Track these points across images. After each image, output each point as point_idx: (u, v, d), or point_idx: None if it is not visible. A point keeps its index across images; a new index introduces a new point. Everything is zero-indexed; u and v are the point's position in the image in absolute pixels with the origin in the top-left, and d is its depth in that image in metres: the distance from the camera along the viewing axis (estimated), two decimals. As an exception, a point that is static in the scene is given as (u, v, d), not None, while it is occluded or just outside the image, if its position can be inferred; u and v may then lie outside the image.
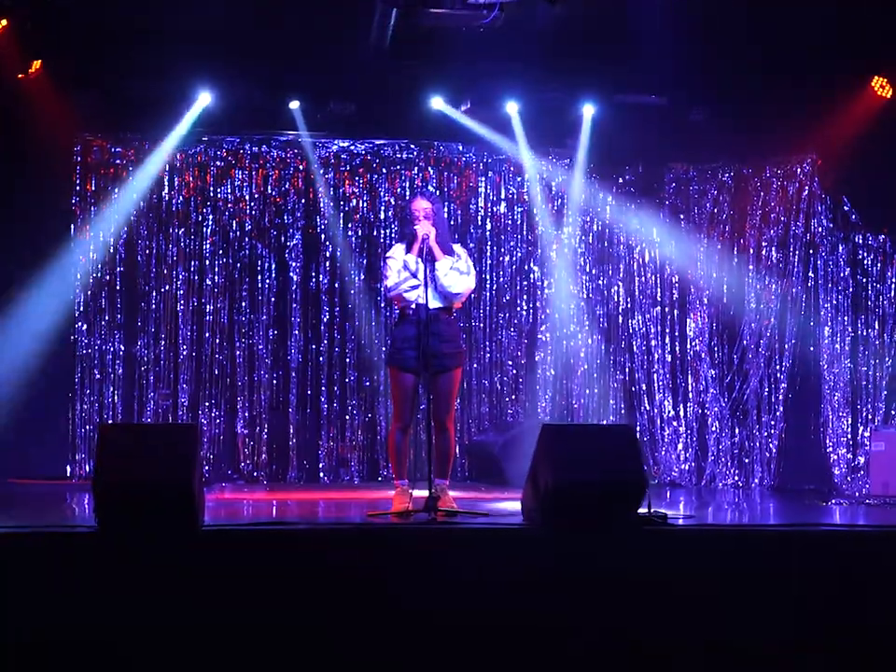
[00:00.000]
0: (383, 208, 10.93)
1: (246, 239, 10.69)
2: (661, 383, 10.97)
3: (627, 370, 11.02)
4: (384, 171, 10.94)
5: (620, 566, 6.01)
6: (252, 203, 10.75)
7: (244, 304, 10.69)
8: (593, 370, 11.02)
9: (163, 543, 5.81)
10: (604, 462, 6.39)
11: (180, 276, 10.59)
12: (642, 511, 6.41)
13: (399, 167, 10.93)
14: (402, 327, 7.46)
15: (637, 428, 10.88)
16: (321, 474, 10.75)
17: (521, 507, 6.81)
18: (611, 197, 11.12)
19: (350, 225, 10.83)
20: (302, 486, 10.33)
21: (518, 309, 11.09)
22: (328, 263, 10.83)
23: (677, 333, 11.03)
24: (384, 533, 6.34)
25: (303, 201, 10.81)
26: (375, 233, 10.89)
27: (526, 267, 11.14)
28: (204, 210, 10.64)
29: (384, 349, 10.73)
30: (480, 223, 11.02)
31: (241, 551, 5.88)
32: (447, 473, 7.60)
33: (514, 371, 11.07)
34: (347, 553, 5.98)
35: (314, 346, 10.81)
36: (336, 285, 10.79)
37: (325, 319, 10.83)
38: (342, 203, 10.84)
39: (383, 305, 10.91)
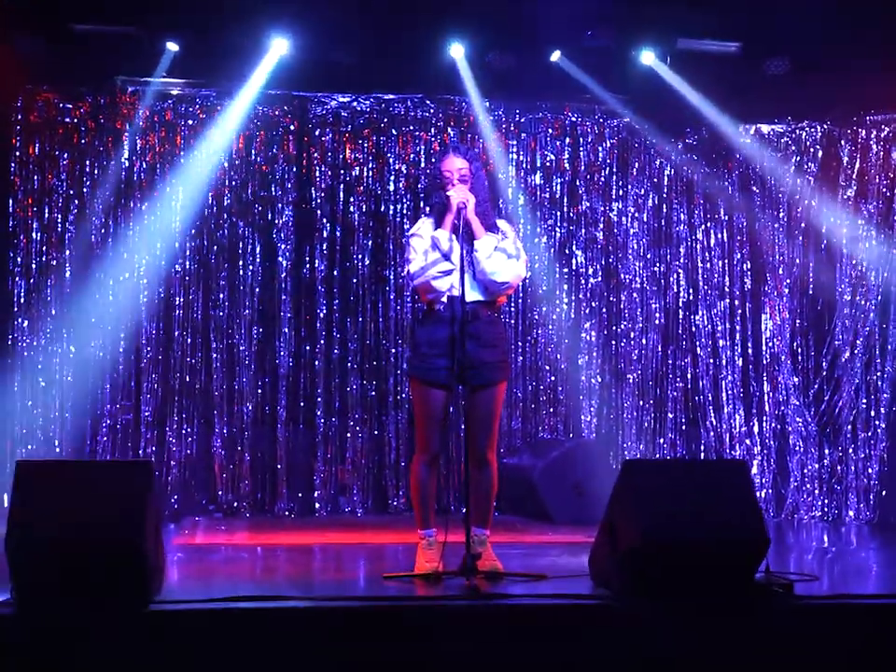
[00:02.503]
0: (392, 178, 9.69)
1: (225, 216, 9.48)
2: (730, 392, 9.80)
3: (689, 376, 9.85)
4: (393, 132, 9.70)
5: (732, 654, 4.95)
6: (232, 172, 9.51)
7: (221, 296, 9.43)
8: (647, 376, 9.86)
9: (102, 627, 4.69)
10: (711, 512, 5.29)
11: (143, 261, 9.31)
12: (759, 575, 5.40)
13: (411, 128, 9.70)
14: (430, 327, 6.07)
15: (702, 449, 9.72)
16: (317, 505, 9.46)
17: (589, 565, 5.72)
18: (670, 166, 9.96)
19: (352, 199, 9.62)
20: (294, 522, 9.09)
21: (557, 302, 9.85)
22: (324, 246, 9.60)
23: (750, 332, 9.88)
24: (405, 612, 5.00)
25: (295, 169, 9.58)
26: (383, 209, 9.66)
27: (567, 251, 9.91)
28: (173, 180, 9.35)
29: (393, 350, 9.59)
30: (510, 197, 9.74)
31: (207, 637, 4.72)
32: (489, 520, 6.22)
33: (552, 378, 9.85)
34: (354, 641, 4.79)
35: (307, 347, 9.55)
36: (335, 272, 9.58)
37: (321, 315, 9.58)
38: (342, 171, 9.63)
39: (392, 297, 9.67)
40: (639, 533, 5.19)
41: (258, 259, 9.51)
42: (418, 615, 5.08)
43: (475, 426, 6.02)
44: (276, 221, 9.53)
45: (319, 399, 9.49)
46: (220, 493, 9.33)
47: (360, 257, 9.61)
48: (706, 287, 9.87)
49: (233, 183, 9.51)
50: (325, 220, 9.58)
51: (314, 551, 7.54)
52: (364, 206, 9.65)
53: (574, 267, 9.88)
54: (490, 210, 6.23)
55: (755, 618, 5.15)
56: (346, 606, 5.03)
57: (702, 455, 9.66)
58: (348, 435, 9.50)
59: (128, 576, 4.91)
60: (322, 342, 9.53)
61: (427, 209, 6.37)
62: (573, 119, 9.83)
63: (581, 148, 9.88)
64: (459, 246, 5.92)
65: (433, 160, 6.56)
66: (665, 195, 9.94)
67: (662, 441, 9.73)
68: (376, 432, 9.56)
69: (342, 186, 9.62)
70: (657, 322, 9.85)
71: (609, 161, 9.90)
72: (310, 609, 4.98)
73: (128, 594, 4.91)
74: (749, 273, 9.91)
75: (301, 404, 9.50)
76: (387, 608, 5.10)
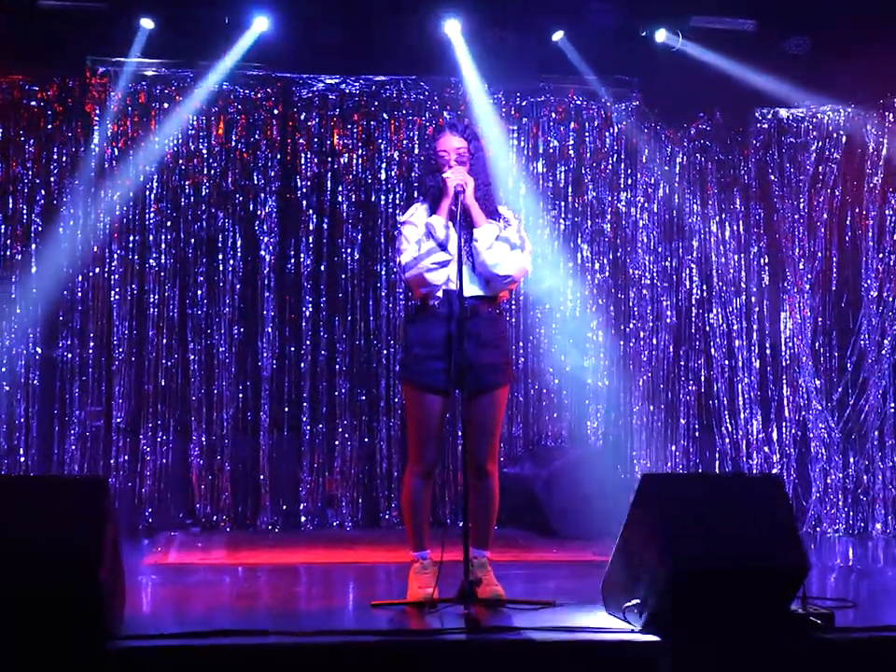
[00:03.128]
0: (383, 166, 9.20)
1: (203, 206, 8.99)
2: (747, 396, 9.35)
3: (703, 379, 9.41)
4: (384, 117, 9.21)
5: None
6: (211, 159, 9.03)
7: (199, 293, 8.95)
8: (658, 379, 9.39)
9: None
10: (744, 535, 4.80)
11: (115, 256, 8.86)
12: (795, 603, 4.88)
13: (404, 112, 9.21)
14: (424, 325, 5.60)
15: (717, 456, 9.29)
16: (302, 518, 8.95)
17: (602, 592, 5.24)
18: (682, 153, 9.51)
19: (341, 189, 9.14)
20: (277, 537, 8.58)
21: (561, 299, 9.36)
22: (310, 239, 9.11)
23: (768, 331, 9.42)
24: (396, 648, 4.58)
25: (279, 156, 9.09)
26: (374, 199, 9.18)
27: (572, 244, 9.42)
28: (146, 167, 8.87)
29: (385, 351, 9.15)
30: (511, 185, 9.22)
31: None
32: (490, 540, 5.74)
33: (556, 381, 9.34)
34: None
35: (292, 349, 9.07)
36: (322, 267, 9.10)
37: (307, 313, 9.08)
38: (329, 159, 9.15)
39: (384, 294, 9.22)
40: (663, 558, 4.71)
41: (238, 254, 9.03)
42: (411, 651, 4.62)
43: (474, 434, 5.54)
44: (259, 212, 9.05)
45: (305, 405, 9.02)
46: (198, 506, 8.85)
47: (349, 251, 9.13)
48: (720, 284, 9.43)
49: (212, 171, 9.02)
50: (311, 211, 9.11)
51: (298, 572, 7.07)
52: (353, 196, 9.17)
53: (579, 261, 9.41)
54: (492, 195, 5.77)
55: (794, 654, 4.66)
56: (332, 642, 4.58)
57: (717, 463, 9.24)
58: (336, 443, 9.02)
59: (82, 610, 4.38)
60: (308, 342, 9.05)
61: (422, 193, 5.84)
62: (578, 102, 9.38)
63: (587, 134, 9.43)
64: (457, 235, 5.44)
65: (428, 141, 6.08)
66: (676, 184, 9.48)
67: (674, 448, 9.30)
68: (367, 440, 9.09)
69: (329, 174, 9.15)
70: (668, 321, 9.41)
71: (616, 147, 9.45)
72: (293, 646, 4.52)
73: (82, 631, 4.39)
74: (766, 267, 9.47)
75: (286, 410, 9.03)
76: (377, 643, 4.64)
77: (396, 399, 8.99)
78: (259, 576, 6.86)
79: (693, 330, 9.45)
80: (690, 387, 9.38)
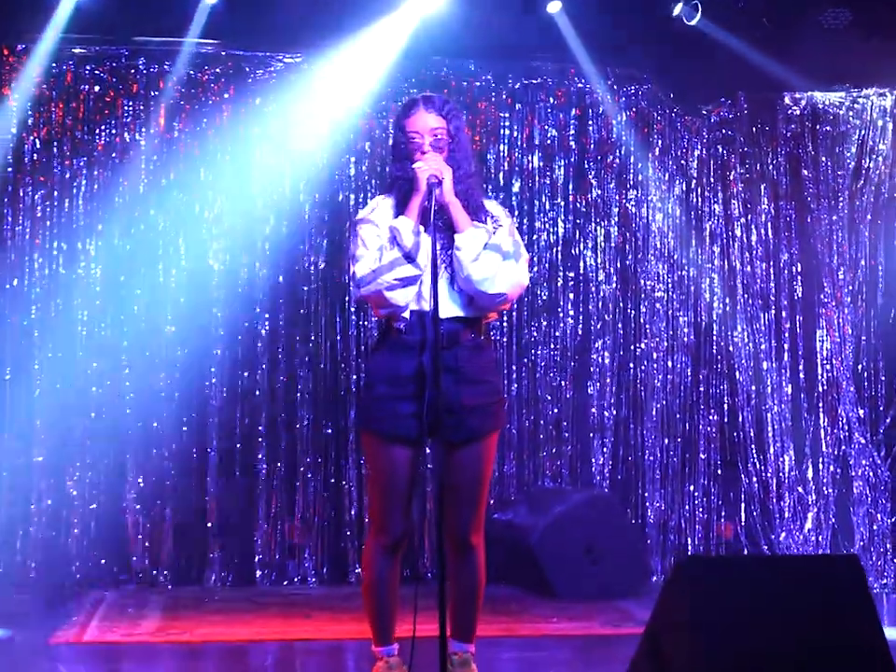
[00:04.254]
0: (353, 160, 8.41)
1: (141, 207, 8.18)
2: (777, 427, 8.61)
3: (726, 406, 8.68)
4: None
5: None
6: (150, 152, 8.21)
7: (135, 307, 8.12)
8: (674, 407, 8.66)
9: None
10: (815, 632, 3.87)
11: (36, 263, 8.05)
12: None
13: (378, 98, 8.39)
14: (388, 355, 4.66)
15: (742, 498, 8.58)
16: (257, 573, 8.07)
17: None
18: (701, 144, 8.83)
19: (303, 185, 8.34)
20: (227, 597, 7.66)
21: (561, 314, 8.64)
22: (267, 245, 8.32)
23: (801, 351, 8.70)
24: None
25: (230, 148, 8.28)
26: (341, 198, 8.39)
27: (574, 251, 8.69)
28: (74, 161, 8.09)
29: (354, 377, 8.31)
30: (502, 182, 8.56)
31: None
32: (473, 632, 4.78)
33: (555, 411, 8.58)
34: None
35: (245, 373, 8.25)
36: (280, 278, 8.31)
37: (263, 331, 8.27)
38: (290, 151, 8.35)
39: (354, 309, 8.43)
40: (700, 657, 3.76)
41: (182, 262, 8.20)
42: None
43: (455, 496, 4.56)
44: (206, 214, 8.22)
45: (261, 440, 8.20)
46: (135, 559, 7.97)
47: (313, 258, 8.33)
48: (746, 296, 8.72)
49: (152, 166, 8.16)
50: (268, 213, 8.31)
51: (246, 654, 6.04)
52: (317, 195, 8.35)
53: (582, 270, 8.69)
54: (476, 188, 4.80)
55: None
56: None
57: (742, 506, 8.48)
58: (297, 484, 8.21)
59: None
60: (264, 366, 8.24)
61: (387, 184, 4.89)
62: (580, 85, 8.61)
63: (591, 122, 8.68)
64: (431, 242, 4.42)
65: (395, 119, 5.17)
66: (694, 181, 8.77)
67: (692, 488, 8.53)
68: (333, 480, 8.25)
69: (289, 169, 8.34)
70: (686, 340, 8.72)
71: (624, 137, 8.70)
72: None
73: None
74: (799, 277, 8.77)
75: (238, 445, 8.21)
76: None
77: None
78: (194, 665, 5.84)
79: (714, 351, 8.75)
80: (710, 417, 8.67)
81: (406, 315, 4.52)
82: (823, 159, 8.70)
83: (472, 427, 4.52)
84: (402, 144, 4.66)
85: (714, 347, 8.69)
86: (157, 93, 8.13)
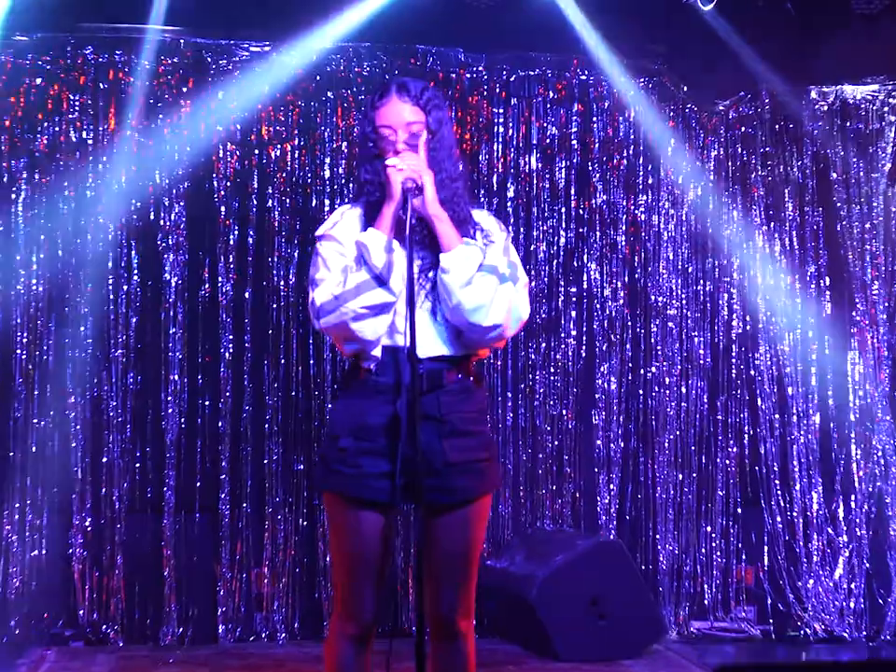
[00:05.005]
0: (327, 161, 7.87)
1: (87, 215, 7.62)
2: (804, 460, 8.09)
3: (746, 438, 8.15)
4: (329, 95, 7.90)
5: None
6: (99, 152, 7.68)
7: (82, 329, 7.55)
8: (689, 438, 8.16)
9: None
10: None
11: None
12: None
13: (354, 89, 7.93)
14: (354, 400, 3.97)
15: (766, 539, 8.04)
16: (220, 628, 7.52)
17: None
18: (718, 143, 8.39)
19: (270, 191, 7.84)
20: (184, 658, 7.15)
21: (562, 335, 8.16)
22: (231, 258, 7.80)
23: (830, 375, 8.19)
24: None
25: (189, 148, 7.76)
26: (314, 204, 7.88)
27: (577, 263, 8.20)
28: (13, 163, 7.54)
29: (329, 405, 7.76)
30: (495, 186, 8.06)
31: None
32: None
33: (556, 443, 8.07)
34: None
35: (206, 402, 7.70)
36: (246, 294, 7.80)
37: (227, 355, 7.73)
38: (256, 151, 7.87)
39: None
40: None
41: (135, 277, 7.68)
42: None
43: (438, 573, 3.87)
44: (162, 222, 7.67)
45: (223, 476, 7.65)
46: (81, 612, 7.41)
47: (282, 272, 7.79)
48: (768, 314, 8.24)
49: (100, 167, 7.61)
50: (232, 221, 7.77)
51: None
52: (288, 201, 7.82)
53: (585, 285, 8.21)
54: (463, 196, 4.09)
55: None
56: None
57: (765, 548, 7.92)
58: (266, 524, 7.66)
59: None
60: (228, 393, 7.68)
61: (355, 190, 4.21)
62: (583, 77, 8.12)
63: (596, 119, 8.18)
64: (407, 261, 3.69)
65: (364, 111, 4.51)
66: (711, 184, 8.25)
67: (709, 529, 8.00)
68: (305, 522, 7.68)
69: (255, 171, 7.80)
70: (702, 363, 8.22)
71: (633, 136, 8.22)
72: None
73: None
74: (828, 292, 8.28)
75: (198, 484, 7.67)
76: None
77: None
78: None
79: (733, 375, 8.24)
80: (729, 449, 8.17)
81: (377, 351, 3.81)
82: (854, 160, 8.23)
83: (459, 488, 3.82)
84: (371, 141, 3.93)
85: (733, 371, 8.21)
86: (107, 86, 7.64)
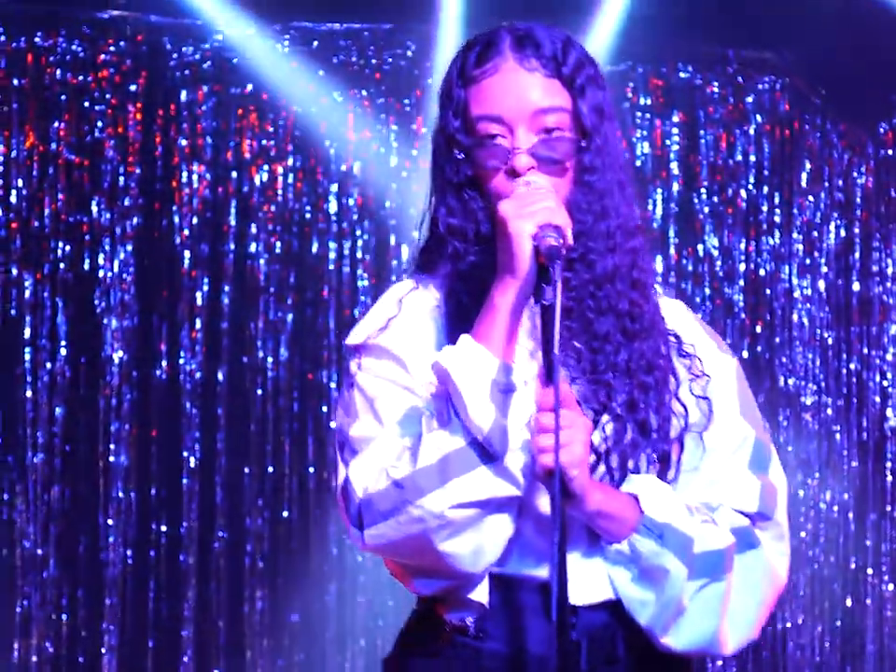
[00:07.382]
0: (333, 190, 6.70)
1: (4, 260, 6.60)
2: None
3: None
4: (335, 95, 6.79)
5: None
6: (15, 169, 6.63)
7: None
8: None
9: None
10: None
11: None
12: None
13: (381, 83, 6.69)
14: None
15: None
16: None
17: None
18: (866, 167, 7.32)
19: (254, 229, 6.63)
20: None
21: None
22: (198, 323, 6.70)
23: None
24: None
25: (139, 170, 6.66)
26: (317, 250, 6.64)
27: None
28: None
29: (335, 542, 6.94)
30: None
31: None
32: None
33: None
34: None
35: (164, 528, 6.61)
36: (219, 376, 6.77)
37: (192, 461, 6.68)
38: (234, 174, 6.67)
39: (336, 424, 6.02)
40: None
41: (61, 351, 6.47)
42: None
43: None
44: (101, 273, 6.46)
45: (186, 633, 6.41)
46: None
47: (270, 345, 6.63)
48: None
49: (11, 199, 6.43)
50: (199, 272, 6.49)
51: None
52: (278, 244, 6.54)
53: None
54: (649, 266, 2.22)
55: None
56: None
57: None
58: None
59: None
60: (193, 516, 6.57)
61: (418, 263, 2.38)
62: (684, 75, 6.87)
63: (702, 132, 6.92)
64: (554, 410, 1.84)
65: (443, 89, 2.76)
66: (857, 221, 7.04)
67: None
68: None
69: (233, 202, 6.52)
70: (845, 468, 6.94)
71: (755, 156, 6.95)
72: None
73: None
74: None
75: (150, 644, 6.47)
76: None
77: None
78: None
79: (888, 482, 6.93)
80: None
81: (480, 592, 2.00)
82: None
83: None
84: (460, 149, 2.06)
85: (888, 477, 6.77)
86: (23, 82, 6.36)
